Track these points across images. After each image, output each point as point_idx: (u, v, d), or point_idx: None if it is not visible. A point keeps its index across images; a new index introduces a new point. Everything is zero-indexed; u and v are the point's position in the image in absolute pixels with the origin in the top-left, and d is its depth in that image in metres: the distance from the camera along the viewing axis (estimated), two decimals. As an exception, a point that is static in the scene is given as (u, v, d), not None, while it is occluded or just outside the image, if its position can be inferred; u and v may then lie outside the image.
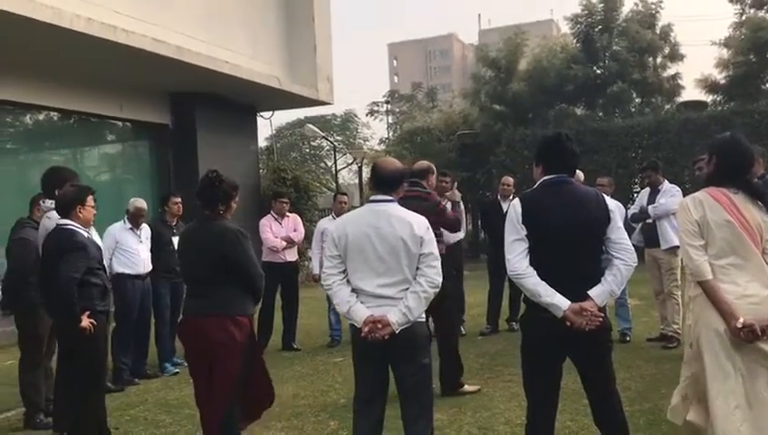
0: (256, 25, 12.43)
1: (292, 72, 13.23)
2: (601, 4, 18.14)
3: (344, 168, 35.01)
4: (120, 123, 11.43)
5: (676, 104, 17.78)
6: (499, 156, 17.02)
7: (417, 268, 3.29)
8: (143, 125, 11.62)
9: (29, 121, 10.13)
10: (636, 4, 18.49)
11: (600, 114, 18.27)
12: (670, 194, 6.73)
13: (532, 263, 3.13)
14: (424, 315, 3.37)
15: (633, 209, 7.21)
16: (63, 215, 4.30)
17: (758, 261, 3.07)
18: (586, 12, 18.19)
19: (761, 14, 17.49)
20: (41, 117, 10.19)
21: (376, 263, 3.28)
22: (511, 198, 7.94)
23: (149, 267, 6.45)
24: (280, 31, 13.21)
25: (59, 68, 9.33)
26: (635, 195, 16.51)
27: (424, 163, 5.60)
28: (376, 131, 61.45)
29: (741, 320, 2.95)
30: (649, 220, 6.86)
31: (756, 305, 3.01)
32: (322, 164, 36.75)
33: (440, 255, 5.19)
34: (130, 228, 6.41)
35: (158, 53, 9.34)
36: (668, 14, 18.06)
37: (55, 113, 10.23)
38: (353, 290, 3.34)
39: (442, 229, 5.43)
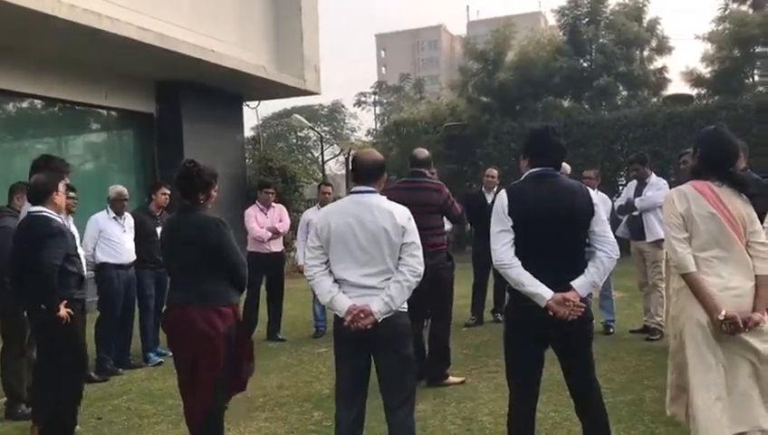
0: (243, 14, 12.35)
1: (278, 62, 13.17)
2: (587, -3, 18.18)
3: (331, 158, 35.01)
4: (104, 112, 11.31)
5: (662, 98, 17.85)
6: (486, 148, 17.02)
7: (400, 258, 3.30)
8: (128, 114, 11.51)
9: (12, 109, 10.00)
10: (623, -4, 18.54)
11: (587, 107, 18.30)
12: (657, 187, 6.76)
13: (516, 253, 3.16)
14: (406, 305, 3.37)
15: (620, 202, 7.25)
16: (37, 202, 4.25)
17: (741, 253, 3.09)
18: (573, 4, 18.20)
19: (743, 8, 17.57)
20: (24, 105, 10.06)
21: (358, 253, 3.28)
22: (496, 189, 7.98)
23: (133, 257, 6.40)
24: (267, 20, 13.13)
25: (42, 55, 9.21)
26: (621, 188, 16.56)
27: (425, 151, 5.61)
28: (363, 122, 61.23)
29: (723, 312, 2.98)
30: (635, 213, 6.89)
31: (739, 298, 3.04)
32: (309, 154, 36.64)
33: (443, 246, 5.33)
34: (114, 218, 6.36)
35: (143, 42, 9.24)
36: (655, 6, 18.07)
37: (39, 101, 10.11)
38: (336, 280, 3.34)
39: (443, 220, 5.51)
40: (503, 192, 3.25)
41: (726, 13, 17.36)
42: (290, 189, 13.94)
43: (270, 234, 7.43)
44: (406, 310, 3.38)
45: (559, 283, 3.09)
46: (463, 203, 6.49)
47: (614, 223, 7.29)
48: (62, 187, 4.37)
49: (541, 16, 65.42)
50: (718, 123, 3.46)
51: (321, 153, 26.69)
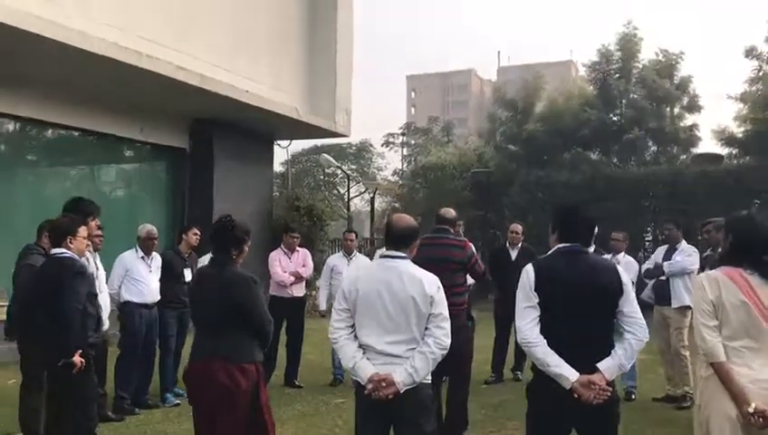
0: (278, 56, 12.60)
1: (311, 104, 13.37)
2: (619, 52, 18.22)
3: (357, 196, 35.16)
4: (139, 145, 11.54)
5: (692, 156, 17.70)
6: (512, 196, 17.01)
7: (426, 328, 3.27)
8: (161, 148, 11.75)
9: (51, 139, 10.25)
10: (656, 54, 18.55)
11: (615, 161, 18.23)
12: (687, 253, 6.71)
13: (542, 330, 3.13)
14: (430, 377, 3.34)
15: (648, 265, 7.18)
16: (55, 244, 4.34)
17: (772, 345, 3.03)
18: (604, 59, 18.26)
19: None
20: (62, 135, 10.30)
21: (385, 319, 3.27)
22: (520, 245, 7.96)
23: (158, 297, 6.45)
24: (301, 62, 13.38)
25: (83, 89, 9.47)
26: (647, 244, 16.44)
27: (452, 211, 5.68)
28: (390, 162, 61.51)
29: (753, 405, 2.91)
30: (662, 277, 6.81)
31: (769, 390, 2.97)
32: (335, 191, 36.89)
33: (464, 306, 5.31)
34: (142, 257, 6.43)
35: (181, 80, 9.47)
36: (688, 64, 18.08)
37: (77, 132, 10.34)
38: (360, 346, 3.33)
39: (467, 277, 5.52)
40: (529, 267, 3.22)
41: (760, 74, 17.26)
42: (315, 228, 14.04)
43: (293, 278, 7.46)
44: (430, 382, 3.35)
45: (585, 362, 3.05)
46: (487, 258, 6.50)
47: (640, 286, 7.21)
48: (82, 231, 4.44)
49: (571, 64, 65.81)
50: (751, 210, 3.43)
51: (348, 191, 26.90)
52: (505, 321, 7.72)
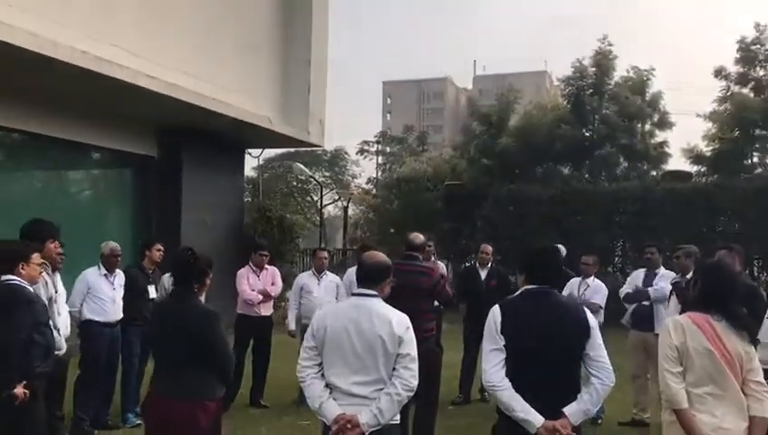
0: (251, 65, 12.43)
1: (284, 114, 13.21)
2: (593, 69, 18.41)
3: (330, 203, 35.06)
4: (105, 153, 11.30)
5: (661, 173, 17.96)
6: (484, 209, 17.05)
7: (394, 369, 3.21)
8: (129, 156, 11.49)
9: (13, 146, 9.99)
10: (627, 71, 18.80)
11: (587, 176, 18.40)
12: (668, 278, 6.68)
13: (508, 373, 3.09)
14: (398, 417, 3.29)
15: (626, 289, 7.13)
16: (5, 270, 4.13)
17: (736, 392, 3.03)
18: (578, 75, 18.43)
19: (745, 91, 17.78)
20: (25, 142, 10.04)
21: (352, 359, 3.21)
22: (489, 265, 7.95)
23: (120, 315, 6.30)
24: (275, 71, 13.23)
25: (48, 95, 9.22)
26: (616, 259, 16.59)
27: (421, 237, 5.68)
28: (365, 169, 61.59)
29: (715, 454, 2.91)
30: (646, 303, 6.79)
31: (732, 439, 2.97)
32: (309, 198, 36.71)
33: (432, 332, 5.27)
34: (105, 274, 6.28)
35: (152, 90, 9.29)
36: (658, 81, 18.31)
37: (41, 139, 10.08)
38: (327, 385, 3.26)
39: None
40: (496, 308, 3.19)
41: (728, 94, 17.58)
42: (286, 240, 13.90)
43: (261, 297, 7.35)
44: (398, 422, 3.29)
45: (551, 406, 3.03)
46: (455, 279, 6.51)
47: (609, 307, 7.13)
48: (36, 257, 4.26)
49: (546, 75, 66.44)
50: (721, 259, 3.44)
51: (321, 199, 26.81)
52: (474, 341, 7.66)
